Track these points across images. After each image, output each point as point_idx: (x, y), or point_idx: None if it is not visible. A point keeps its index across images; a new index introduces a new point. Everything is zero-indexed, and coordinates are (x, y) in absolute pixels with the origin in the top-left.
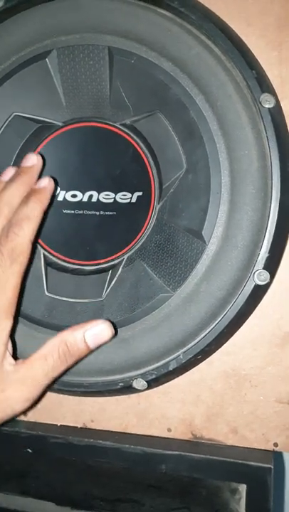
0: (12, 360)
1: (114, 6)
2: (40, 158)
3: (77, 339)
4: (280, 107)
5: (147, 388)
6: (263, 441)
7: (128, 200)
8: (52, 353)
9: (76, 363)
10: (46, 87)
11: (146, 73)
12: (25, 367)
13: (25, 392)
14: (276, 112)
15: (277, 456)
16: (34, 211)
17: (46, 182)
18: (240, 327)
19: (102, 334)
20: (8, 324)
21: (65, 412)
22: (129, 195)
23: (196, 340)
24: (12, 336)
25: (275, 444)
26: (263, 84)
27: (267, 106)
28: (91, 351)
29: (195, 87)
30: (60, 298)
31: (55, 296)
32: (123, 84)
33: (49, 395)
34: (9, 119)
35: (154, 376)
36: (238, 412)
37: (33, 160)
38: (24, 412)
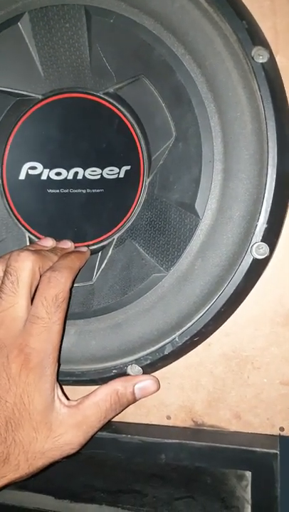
0: (65, 400)
1: None
2: (73, 244)
3: (128, 390)
4: (275, 61)
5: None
6: (269, 426)
7: (116, 176)
8: (104, 401)
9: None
10: (21, 56)
11: (127, 33)
12: (80, 413)
13: (81, 437)
14: (270, 67)
15: (283, 441)
16: (75, 263)
17: (86, 249)
18: (239, 305)
19: (149, 388)
20: (55, 368)
21: None
22: (116, 170)
23: (192, 322)
24: (57, 378)
25: (281, 429)
26: (255, 37)
27: (260, 61)
28: (135, 401)
29: (181, 46)
30: None
31: None
32: (103, 48)
33: None
34: None
35: (148, 361)
36: (241, 397)
37: (68, 244)
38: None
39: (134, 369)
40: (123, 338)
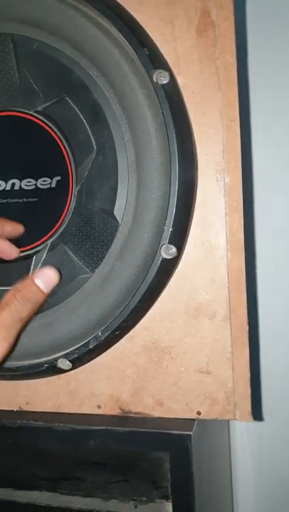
0: None
1: None
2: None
3: (27, 283)
4: (176, 82)
5: (73, 368)
6: (187, 411)
7: (48, 186)
8: (11, 299)
9: (38, 307)
10: None
11: (49, 58)
12: None
13: None
14: (170, 87)
15: (199, 423)
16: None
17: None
18: (154, 301)
19: (49, 276)
20: None
21: (1, 397)
22: (49, 180)
23: (113, 318)
24: None
25: (198, 413)
26: (156, 61)
27: (161, 82)
28: (47, 295)
29: (95, 69)
30: None
31: None
32: (30, 72)
33: None
34: None
35: (76, 355)
36: (162, 385)
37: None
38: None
39: (64, 363)
40: (53, 336)
